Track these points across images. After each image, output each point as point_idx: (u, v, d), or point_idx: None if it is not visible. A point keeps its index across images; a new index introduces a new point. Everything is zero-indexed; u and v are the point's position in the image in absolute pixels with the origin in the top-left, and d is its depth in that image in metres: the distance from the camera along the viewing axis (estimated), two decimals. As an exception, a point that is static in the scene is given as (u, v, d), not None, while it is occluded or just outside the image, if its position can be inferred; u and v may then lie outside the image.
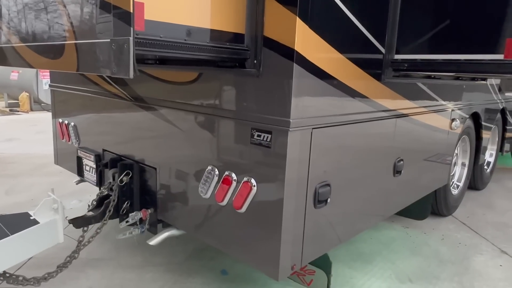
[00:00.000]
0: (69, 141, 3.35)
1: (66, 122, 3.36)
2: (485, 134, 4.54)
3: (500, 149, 5.51)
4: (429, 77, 2.79)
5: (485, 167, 5.18)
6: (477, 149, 4.47)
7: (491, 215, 4.27)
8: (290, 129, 1.68)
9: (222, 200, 2.01)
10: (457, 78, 3.28)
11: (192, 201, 2.26)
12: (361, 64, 2.10)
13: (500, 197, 4.92)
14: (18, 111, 10.86)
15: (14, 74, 11.39)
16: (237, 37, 1.76)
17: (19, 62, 2.08)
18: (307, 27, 1.66)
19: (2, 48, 2.15)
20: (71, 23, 1.61)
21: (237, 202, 1.93)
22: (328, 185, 2.03)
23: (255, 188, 1.86)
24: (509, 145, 6.03)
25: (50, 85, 3.63)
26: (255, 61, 1.78)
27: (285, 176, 1.74)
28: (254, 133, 1.84)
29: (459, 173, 4.38)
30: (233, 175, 1.96)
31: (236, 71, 1.85)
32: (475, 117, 4.16)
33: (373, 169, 2.49)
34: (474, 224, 3.98)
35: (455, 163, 4.25)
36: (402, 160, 2.73)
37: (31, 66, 2.03)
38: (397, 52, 2.30)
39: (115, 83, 2.70)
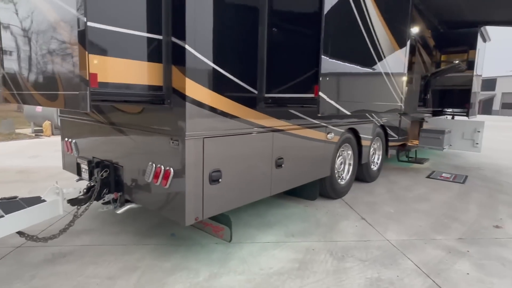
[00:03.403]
0: (72, 153, 3.87)
1: (69, 140, 3.90)
2: (365, 143, 5.23)
3: (386, 153, 6.29)
4: (302, 106, 3.55)
5: (373, 166, 5.90)
6: (360, 153, 5.14)
7: (368, 197, 4.94)
8: (186, 138, 2.42)
9: (157, 182, 2.67)
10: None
11: (142, 185, 2.89)
12: (238, 100, 2.82)
13: (381, 187, 5.59)
14: (41, 136, 11.22)
15: (39, 107, 11.80)
16: (159, 88, 2.47)
17: (34, 102, 2.78)
18: (192, 81, 2.42)
19: (25, 94, 2.86)
20: (61, 81, 2.35)
21: (164, 182, 2.61)
22: (219, 171, 2.72)
23: (172, 173, 2.56)
24: (394, 151, 6.88)
25: (59, 116, 4.26)
26: (169, 101, 2.50)
27: (185, 165, 2.46)
28: (171, 140, 2.55)
29: (347, 169, 5.03)
30: (162, 166, 2.64)
31: (160, 106, 2.54)
32: (354, 131, 4.93)
33: (256, 163, 3.12)
34: (353, 203, 4.64)
35: (342, 162, 4.98)
36: (282, 158, 3.41)
37: (40, 105, 2.73)
38: (267, 92, 3.06)
39: (99, 113, 3.35)
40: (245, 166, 3.04)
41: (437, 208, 4.60)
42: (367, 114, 5.13)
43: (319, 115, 2.64)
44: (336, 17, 2.98)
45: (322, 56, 2.62)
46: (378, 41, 3.78)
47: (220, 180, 2.76)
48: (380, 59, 3.94)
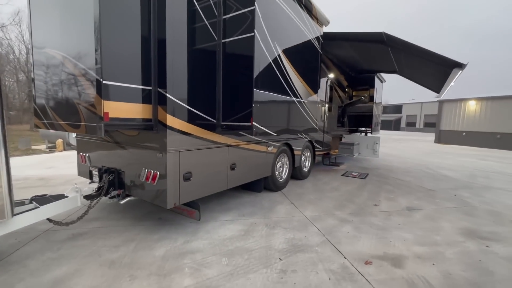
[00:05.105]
0: (85, 163, 4.11)
1: (83, 154, 4.15)
2: (297, 152, 5.85)
3: (314, 159, 7.06)
4: (245, 130, 4.13)
5: (304, 168, 6.58)
6: (293, 160, 5.75)
7: (299, 190, 5.53)
8: (167, 152, 2.92)
9: (148, 180, 3.10)
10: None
11: (137, 183, 3.27)
12: (203, 126, 3.32)
13: (309, 182, 6.21)
14: (55, 151, 10.93)
15: (53, 128, 11.45)
16: (149, 120, 2.95)
17: (61, 129, 3.16)
18: (171, 116, 2.95)
19: (54, 123, 3.23)
20: (83, 116, 2.80)
21: (153, 181, 3.06)
22: (190, 172, 3.22)
23: (158, 175, 3.02)
24: (321, 158, 7.66)
25: (76, 136, 4.54)
26: (156, 128, 2.99)
27: (167, 169, 2.94)
28: (158, 153, 3.05)
29: (285, 171, 5.62)
30: (152, 170, 3.09)
31: (150, 131, 2.99)
32: (288, 144, 5.60)
33: (216, 167, 3.59)
34: (288, 194, 5.20)
35: (281, 166, 5.61)
36: (235, 163, 3.96)
37: (65, 131, 3.12)
38: (222, 121, 3.64)
39: (107, 136, 3.67)
40: (208, 169, 3.51)
41: (343, 195, 5.34)
42: (297, 134, 5.85)
43: (253, 136, 3.24)
44: (263, 74, 3.64)
45: (253, 100, 3.25)
46: (295, 87, 4.52)
47: (191, 178, 3.25)
48: (296, 97, 4.68)
